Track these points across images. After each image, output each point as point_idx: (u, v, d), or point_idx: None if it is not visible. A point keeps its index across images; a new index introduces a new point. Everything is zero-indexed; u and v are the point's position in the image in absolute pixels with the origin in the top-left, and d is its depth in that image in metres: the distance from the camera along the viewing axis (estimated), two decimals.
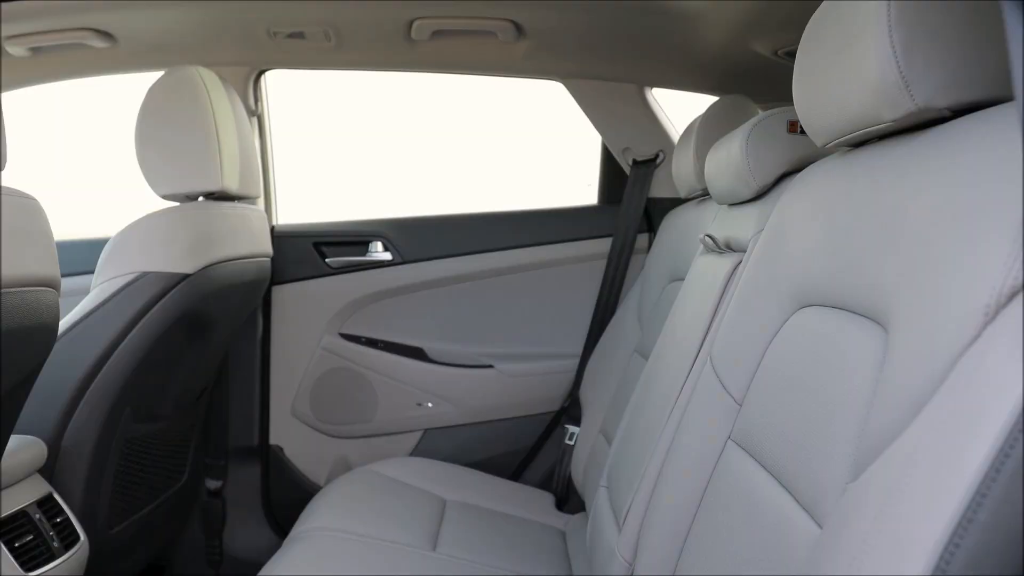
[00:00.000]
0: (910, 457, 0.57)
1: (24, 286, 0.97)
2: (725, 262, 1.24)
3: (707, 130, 1.66)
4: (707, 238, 1.36)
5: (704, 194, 1.73)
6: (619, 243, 2.17)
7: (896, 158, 0.77)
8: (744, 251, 1.22)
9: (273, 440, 2.23)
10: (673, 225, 1.91)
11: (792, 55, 1.65)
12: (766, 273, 1.04)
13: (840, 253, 0.82)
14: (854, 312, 0.78)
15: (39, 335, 1.02)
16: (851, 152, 0.91)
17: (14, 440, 1.41)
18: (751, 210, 1.27)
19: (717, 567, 0.89)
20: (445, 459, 2.14)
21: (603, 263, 2.20)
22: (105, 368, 1.52)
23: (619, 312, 2.10)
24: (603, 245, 2.21)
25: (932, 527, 0.50)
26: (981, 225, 0.58)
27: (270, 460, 2.23)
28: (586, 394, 2.07)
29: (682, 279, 1.62)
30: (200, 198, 1.71)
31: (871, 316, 0.74)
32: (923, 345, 0.60)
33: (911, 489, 0.55)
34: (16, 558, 1.31)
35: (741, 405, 1.00)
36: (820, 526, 0.71)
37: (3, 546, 1.30)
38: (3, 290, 0.93)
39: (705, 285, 1.29)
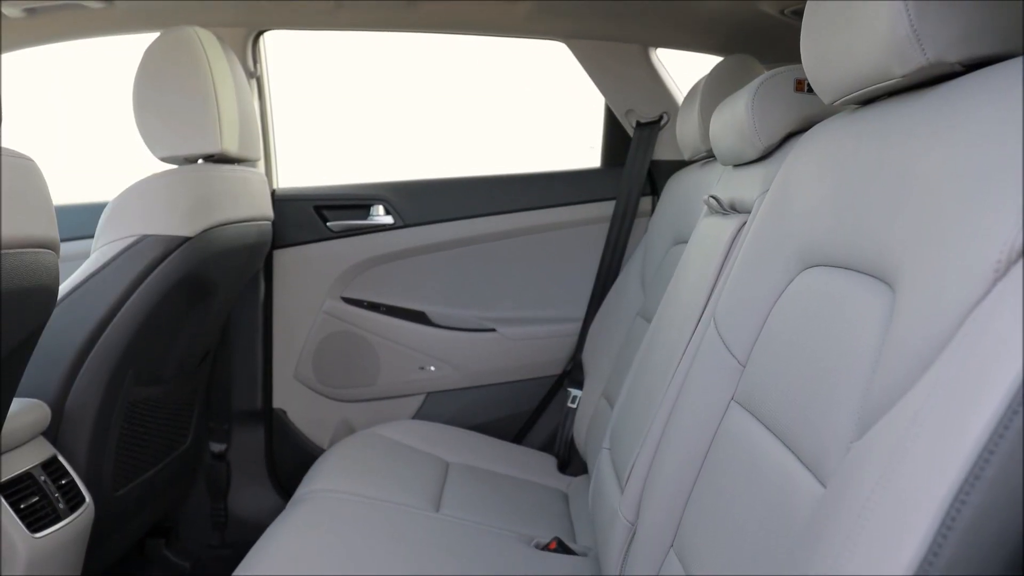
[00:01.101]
0: (916, 415, 0.56)
1: (22, 247, 0.96)
2: (729, 223, 1.23)
3: (712, 91, 1.64)
4: (711, 199, 1.35)
5: (709, 156, 1.71)
6: (622, 206, 2.15)
7: (905, 115, 0.75)
8: (749, 212, 1.20)
9: (276, 404, 2.24)
10: (677, 188, 1.89)
11: (799, 14, 1.62)
12: (771, 234, 1.03)
13: (847, 212, 0.81)
14: (861, 272, 0.78)
15: (38, 297, 1.01)
16: (859, 110, 0.89)
17: (17, 403, 1.41)
18: (756, 171, 1.26)
19: (720, 526, 0.89)
20: (447, 422, 2.15)
21: (606, 226, 2.19)
22: (107, 331, 1.51)
23: (622, 276, 2.09)
24: (606, 208, 2.19)
25: (938, 484, 0.49)
26: (992, 182, 0.57)
27: (273, 423, 2.24)
28: (588, 358, 2.07)
29: (686, 242, 1.61)
30: (199, 161, 1.70)
31: (878, 275, 0.73)
32: (930, 304, 0.60)
33: (917, 447, 0.54)
34: (22, 519, 1.32)
35: (744, 366, 0.99)
36: (824, 485, 0.70)
37: (9, 508, 1.31)
38: (1, 251, 0.92)
39: (709, 247, 1.28)
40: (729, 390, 1.01)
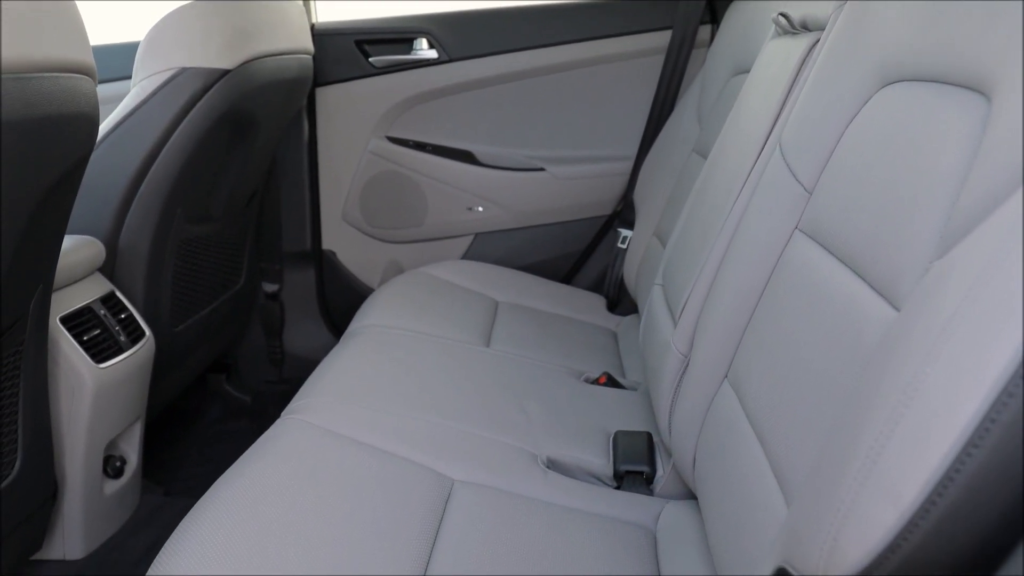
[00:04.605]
0: (1010, 230, 0.52)
1: (58, 71, 0.93)
2: (800, 43, 1.14)
3: None
4: (780, 17, 1.25)
5: None
6: (679, 36, 2.03)
7: None
8: (822, 30, 1.11)
9: (325, 245, 2.25)
10: (739, 14, 1.77)
11: None
12: (848, 49, 0.95)
13: (938, 18, 0.74)
14: (950, 84, 0.71)
15: (80, 124, 0.99)
16: None
17: (71, 240, 1.43)
18: None
19: (778, 355, 0.87)
20: (496, 263, 2.14)
21: (661, 58, 2.07)
22: (154, 167, 1.50)
23: (677, 110, 2.00)
24: (661, 39, 2.07)
25: None
26: None
27: (323, 264, 2.25)
28: (640, 196, 2.02)
29: (747, 72, 1.52)
30: None
31: (971, 86, 0.67)
32: None
33: (1008, 262, 0.50)
34: (86, 351, 1.36)
35: (811, 193, 0.94)
36: (896, 309, 0.67)
37: (72, 339, 1.35)
38: (38, 74, 0.89)
39: (776, 70, 1.20)
40: (793, 219, 0.96)
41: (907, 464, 0.48)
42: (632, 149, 2.13)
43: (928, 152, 0.71)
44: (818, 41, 1.10)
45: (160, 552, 0.91)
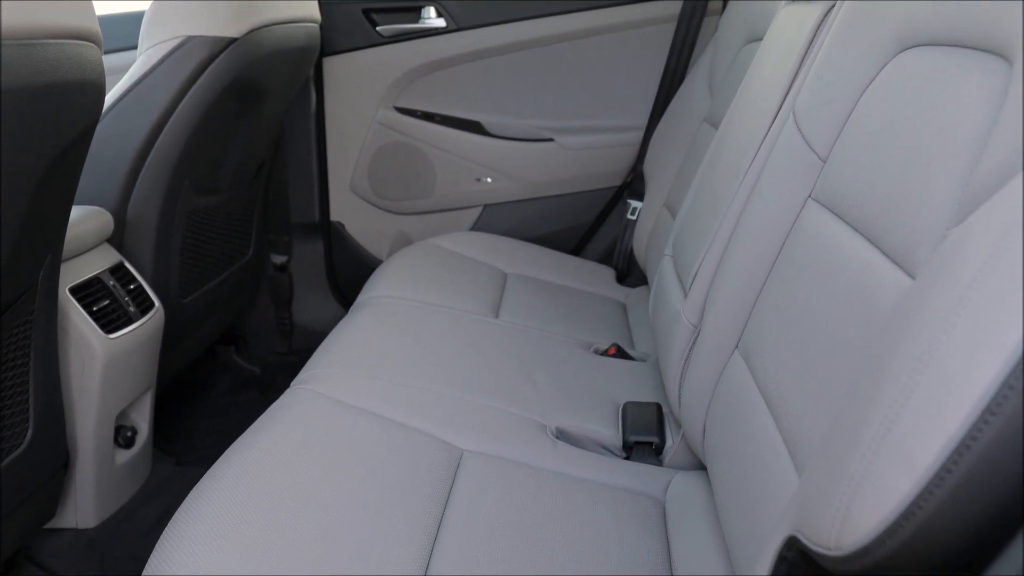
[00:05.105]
0: None
1: (64, 38, 0.92)
2: (815, 9, 1.12)
3: None
4: None
5: None
6: (690, 4, 2.00)
7: None
8: None
9: (334, 216, 2.24)
10: None
11: None
12: (864, 14, 0.93)
13: None
14: (970, 47, 0.70)
15: (86, 92, 0.98)
16: None
17: (80, 210, 1.43)
18: None
19: (790, 324, 0.86)
20: (505, 235, 2.14)
21: (672, 26, 2.04)
22: (160, 138, 1.50)
23: (688, 80, 1.98)
24: (672, 7, 2.04)
25: None
26: None
27: (332, 236, 2.25)
28: (650, 167, 2.00)
29: (759, 39, 1.49)
30: None
31: (991, 50, 0.66)
32: None
33: None
34: (95, 321, 1.37)
35: (825, 161, 0.93)
36: (912, 276, 0.66)
37: (82, 309, 1.35)
38: (43, 41, 0.88)
39: (789, 38, 1.18)
40: (806, 187, 0.95)
41: (922, 431, 0.47)
42: (642, 119, 2.11)
43: (946, 118, 0.70)
44: (833, 6, 1.08)
45: (171, 520, 0.91)
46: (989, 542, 0.46)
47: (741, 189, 1.10)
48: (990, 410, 0.44)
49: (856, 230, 0.80)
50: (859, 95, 0.90)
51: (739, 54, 1.63)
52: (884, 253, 0.72)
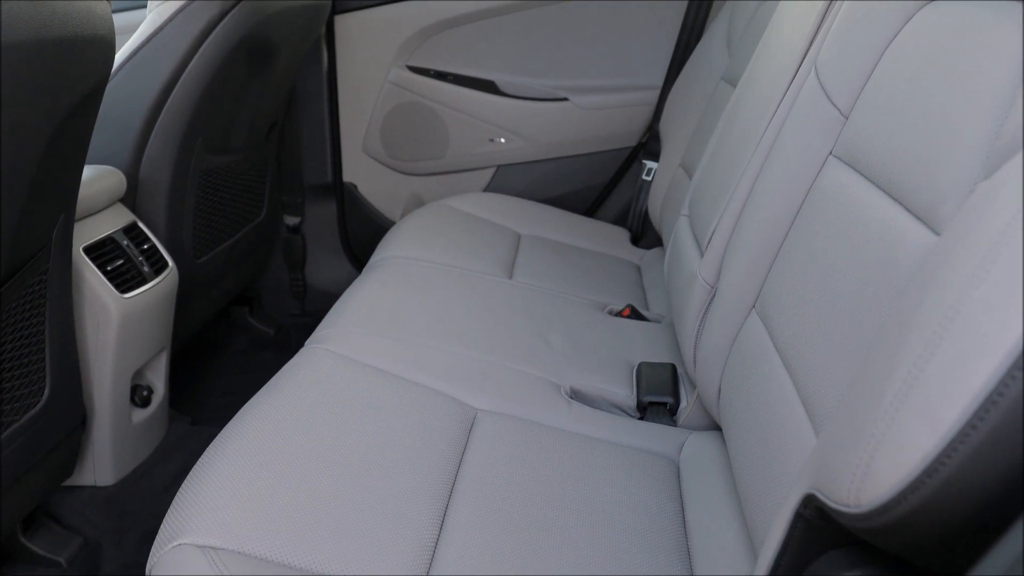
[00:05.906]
0: None
1: None
2: None
3: None
4: None
5: None
6: None
7: None
8: None
9: (346, 178, 2.23)
10: None
11: None
12: None
13: None
14: None
15: (97, 47, 0.97)
16: None
17: (92, 169, 1.42)
18: None
19: (809, 282, 0.85)
20: (518, 196, 2.12)
21: None
22: (172, 97, 1.48)
23: (705, 38, 1.94)
24: None
25: None
26: None
27: (345, 197, 2.24)
28: (666, 127, 1.98)
29: None
30: None
31: None
32: None
33: None
34: (110, 280, 1.37)
35: (847, 117, 0.91)
36: (937, 233, 0.65)
37: (96, 269, 1.35)
38: None
39: None
40: (828, 144, 0.93)
41: (947, 387, 0.46)
42: (658, 78, 2.07)
43: (973, 71, 0.68)
44: None
45: (188, 477, 0.92)
46: (1010, 502, 0.45)
47: (760, 147, 1.08)
48: (1018, 365, 0.43)
49: (878, 187, 0.78)
50: (883, 50, 0.88)
51: (758, 12, 1.60)
52: (908, 209, 0.71)
